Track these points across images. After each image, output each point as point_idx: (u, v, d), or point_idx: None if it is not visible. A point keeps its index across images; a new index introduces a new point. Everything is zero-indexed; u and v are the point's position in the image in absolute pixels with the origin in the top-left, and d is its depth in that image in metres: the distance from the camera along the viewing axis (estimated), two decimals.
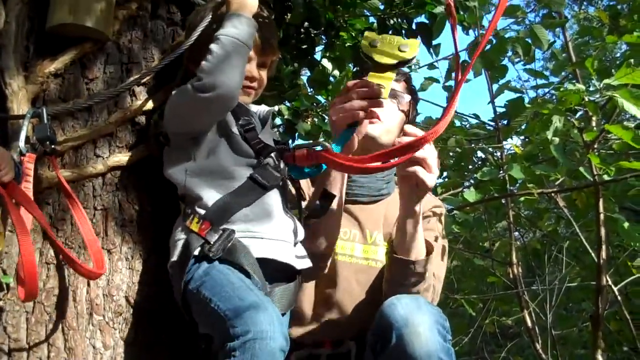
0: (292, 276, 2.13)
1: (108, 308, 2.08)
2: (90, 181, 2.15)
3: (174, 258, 2.00)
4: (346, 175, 2.28)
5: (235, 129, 2.11)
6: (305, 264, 2.14)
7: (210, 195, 2.02)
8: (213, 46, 1.99)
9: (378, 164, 1.97)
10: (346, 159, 2.00)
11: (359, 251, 2.45)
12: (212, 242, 1.95)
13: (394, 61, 2.13)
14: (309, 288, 2.39)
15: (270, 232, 2.05)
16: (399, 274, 2.26)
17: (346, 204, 2.42)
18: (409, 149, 1.94)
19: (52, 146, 2.05)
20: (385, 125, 2.47)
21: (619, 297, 5.67)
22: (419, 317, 1.96)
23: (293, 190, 2.25)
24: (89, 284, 2.08)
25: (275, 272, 2.06)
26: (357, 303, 2.39)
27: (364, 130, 2.20)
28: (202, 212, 2.00)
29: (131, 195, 2.19)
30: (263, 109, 2.27)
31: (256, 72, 2.21)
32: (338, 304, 2.39)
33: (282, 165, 2.13)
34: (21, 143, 2.00)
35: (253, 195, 2.04)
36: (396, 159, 2.01)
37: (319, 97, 4.69)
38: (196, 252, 1.95)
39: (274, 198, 2.10)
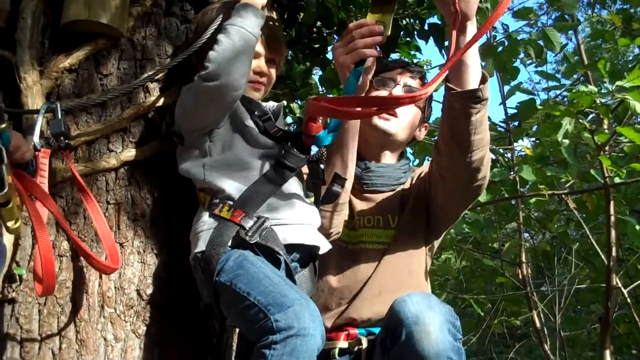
0: (310, 260, 2.15)
1: (120, 301, 2.10)
2: (103, 175, 2.17)
3: (200, 248, 1.98)
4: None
5: (249, 122, 2.13)
6: (327, 245, 2.16)
7: (233, 186, 2.03)
8: (220, 36, 2.00)
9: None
10: (337, 102, 2.00)
11: (384, 236, 2.48)
12: (247, 228, 1.96)
13: None
14: (333, 274, 2.42)
15: (294, 217, 2.07)
16: (465, 107, 2.18)
17: (367, 193, 2.51)
18: (394, 102, 1.94)
19: (66, 141, 2.05)
20: (401, 121, 2.51)
21: (629, 300, 5.66)
22: (429, 315, 1.94)
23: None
24: (101, 277, 2.10)
25: (299, 254, 2.08)
26: (385, 286, 2.40)
27: (372, 68, 2.19)
28: (231, 201, 2.01)
29: (143, 190, 2.21)
30: (271, 104, 2.29)
31: (265, 68, 2.23)
32: (366, 289, 2.41)
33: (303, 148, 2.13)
34: (35, 138, 2.00)
35: (279, 181, 2.06)
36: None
37: (330, 96, 4.70)
38: (231, 239, 1.96)
39: (293, 185, 2.12)
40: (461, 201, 2.52)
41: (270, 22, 2.21)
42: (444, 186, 2.41)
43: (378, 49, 2.15)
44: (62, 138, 2.04)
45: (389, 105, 1.94)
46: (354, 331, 2.36)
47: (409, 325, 1.93)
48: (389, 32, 2.11)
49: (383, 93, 2.52)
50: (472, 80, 2.16)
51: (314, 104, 1.96)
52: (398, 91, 2.50)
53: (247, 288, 1.84)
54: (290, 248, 2.03)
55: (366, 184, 2.52)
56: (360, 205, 2.51)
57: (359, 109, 1.99)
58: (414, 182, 2.56)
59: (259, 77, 2.22)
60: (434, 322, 1.93)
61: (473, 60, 2.16)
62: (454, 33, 2.04)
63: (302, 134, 2.11)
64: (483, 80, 2.17)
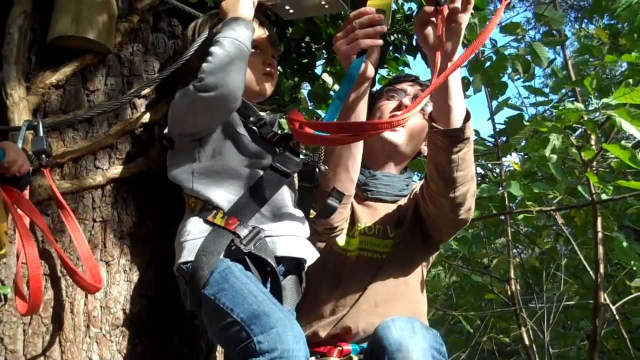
0: (297, 270, 2.13)
1: (105, 320, 2.08)
2: (89, 193, 2.15)
3: (186, 258, 1.95)
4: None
5: (241, 130, 2.12)
6: (314, 256, 2.14)
7: (221, 196, 2.01)
8: (213, 48, 1.99)
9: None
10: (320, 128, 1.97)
11: (383, 246, 2.46)
12: (242, 236, 1.95)
13: None
14: (330, 281, 2.39)
15: (283, 228, 2.05)
16: (446, 145, 2.16)
17: (369, 201, 2.50)
18: (377, 127, 1.91)
19: (47, 159, 2.03)
20: (408, 132, 2.50)
21: (617, 317, 5.65)
22: (412, 342, 1.92)
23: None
24: (86, 296, 2.07)
25: (285, 266, 2.07)
26: (381, 297, 2.38)
27: (375, 57, 2.14)
28: (224, 209, 1.99)
29: (130, 208, 2.20)
30: (266, 114, 2.28)
31: (272, 60, 2.26)
32: (362, 299, 2.38)
33: (298, 153, 2.13)
34: None
35: (273, 189, 2.04)
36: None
37: (319, 111, 4.70)
38: (225, 247, 1.94)
39: (284, 194, 2.10)
40: (447, 231, 2.52)
41: (264, 23, 2.26)
42: (428, 216, 2.41)
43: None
44: (43, 156, 2.01)
45: (367, 132, 1.92)
46: (347, 347, 2.33)
47: (391, 352, 1.91)
48: (390, 21, 2.09)
49: (394, 103, 2.53)
50: (455, 119, 2.14)
51: (298, 132, 1.93)
52: (408, 101, 2.50)
53: (230, 304, 1.82)
54: (278, 260, 2.01)
55: (371, 191, 2.50)
56: (361, 212, 2.50)
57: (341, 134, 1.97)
58: (411, 196, 2.55)
59: (270, 68, 2.25)
60: (417, 350, 1.90)
61: (456, 98, 2.15)
62: (438, 55, 2.04)
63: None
64: (467, 118, 2.16)
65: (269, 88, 2.27)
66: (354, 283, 2.40)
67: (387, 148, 2.51)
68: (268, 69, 2.24)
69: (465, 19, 2.07)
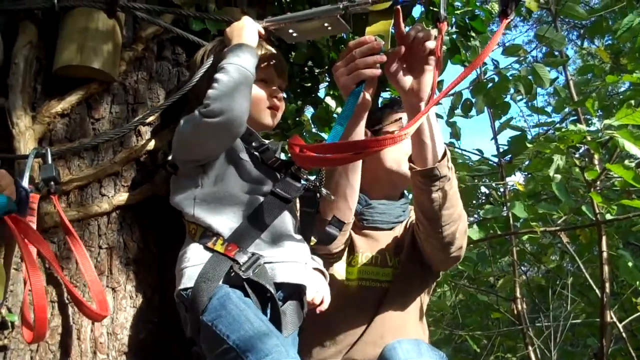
0: (300, 294, 2.12)
1: (112, 347, 2.09)
2: (95, 220, 2.17)
3: (185, 285, 1.95)
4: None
5: (244, 155, 2.12)
6: (315, 281, 2.15)
7: (222, 223, 2.01)
8: (218, 75, 2.00)
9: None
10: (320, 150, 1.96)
11: (382, 274, 2.47)
12: (242, 263, 1.95)
13: (387, 3, 2.07)
14: (330, 311, 2.37)
15: (283, 254, 2.05)
16: (424, 185, 2.20)
17: (366, 230, 2.50)
18: (377, 144, 1.91)
19: (56, 186, 2.05)
20: (406, 153, 2.48)
21: (624, 334, 5.64)
22: None
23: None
24: (93, 323, 2.08)
25: (285, 292, 2.06)
26: (387, 329, 2.39)
27: (373, 86, 2.13)
28: (225, 235, 2.00)
29: (136, 234, 2.22)
30: (271, 144, 2.29)
31: (279, 93, 2.26)
32: (368, 332, 2.39)
33: (300, 178, 2.13)
34: (25, 183, 1.98)
35: (273, 216, 2.05)
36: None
37: (323, 134, 4.71)
38: (224, 274, 1.94)
39: (285, 219, 2.11)
40: (443, 266, 2.55)
41: (275, 53, 2.26)
42: (423, 252, 2.43)
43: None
44: (52, 183, 2.04)
45: (371, 148, 1.93)
46: None
47: None
48: (389, 46, 2.07)
49: (404, 116, 2.53)
50: (429, 158, 2.18)
51: (299, 156, 1.94)
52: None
53: (227, 331, 1.81)
54: (277, 286, 2.01)
55: (367, 220, 2.51)
56: (359, 241, 2.50)
57: (342, 154, 1.98)
58: (409, 224, 2.56)
59: (277, 102, 2.24)
60: None
61: (432, 137, 2.17)
62: (435, 73, 2.05)
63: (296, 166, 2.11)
64: (443, 156, 2.19)
65: (273, 121, 2.26)
66: (358, 313, 2.41)
67: (400, 181, 2.52)
68: (274, 102, 2.23)
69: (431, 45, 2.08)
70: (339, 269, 2.45)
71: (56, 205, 2.07)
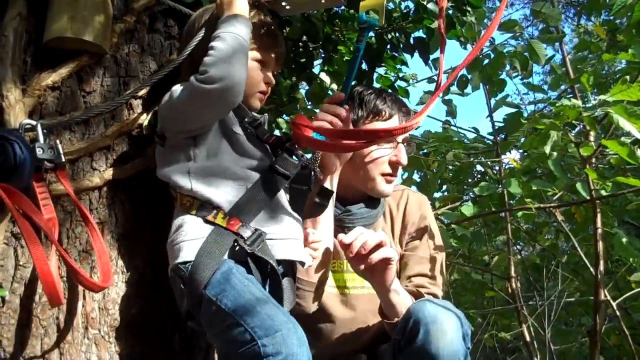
0: (292, 272, 2.12)
1: (104, 322, 2.08)
2: (86, 194, 2.15)
3: (184, 258, 1.91)
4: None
5: (237, 129, 2.09)
6: (310, 260, 2.14)
7: (221, 197, 1.98)
8: (214, 43, 1.96)
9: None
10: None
11: (362, 280, 2.49)
12: (246, 237, 1.93)
13: None
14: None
15: (281, 231, 2.04)
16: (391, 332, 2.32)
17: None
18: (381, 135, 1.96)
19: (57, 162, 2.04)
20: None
21: (618, 312, 5.64)
22: (447, 316, 2.06)
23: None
24: (84, 298, 2.07)
25: (283, 268, 2.05)
26: (367, 330, 2.49)
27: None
28: (225, 209, 1.97)
29: (127, 208, 2.20)
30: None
31: (272, 79, 2.23)
32: (350, 335, 2.47)
33: (294, 154, 2.12)
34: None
35: (273, 190, 2.03)
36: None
37: (317, 111, 4.70)
38: (228, 248, 1.92)
39: (282, 196, 2.10)
40: None
41: (272, 27, 2.23)
42: None
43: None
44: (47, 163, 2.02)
45: (381, 138, 1.94)
46: None
47: (426, 324, 2.04)
48: (384, 20, 2.07)
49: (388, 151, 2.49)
50: (392, 314, 2.31)
51: (305, 137, 1.93)
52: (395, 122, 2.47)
53: (233, 306, 1.79)
54: (276, 263, 2.00)
55: (347, 227, 2.47)
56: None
57: (350, 141, 1.99)
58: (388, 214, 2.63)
59: (267, 88, 2.23)
60: (451, 323, 2.05)
61: (399, 298, 2.30)
62: (442, 57, 2.07)
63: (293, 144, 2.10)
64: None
65: (259, 105, 2.24)
66: (348, 324, 2.49)
67: (375, 193, 2.53)
68: (265, 89, 2.21)
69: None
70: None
71: (63, 180, 2.05)
